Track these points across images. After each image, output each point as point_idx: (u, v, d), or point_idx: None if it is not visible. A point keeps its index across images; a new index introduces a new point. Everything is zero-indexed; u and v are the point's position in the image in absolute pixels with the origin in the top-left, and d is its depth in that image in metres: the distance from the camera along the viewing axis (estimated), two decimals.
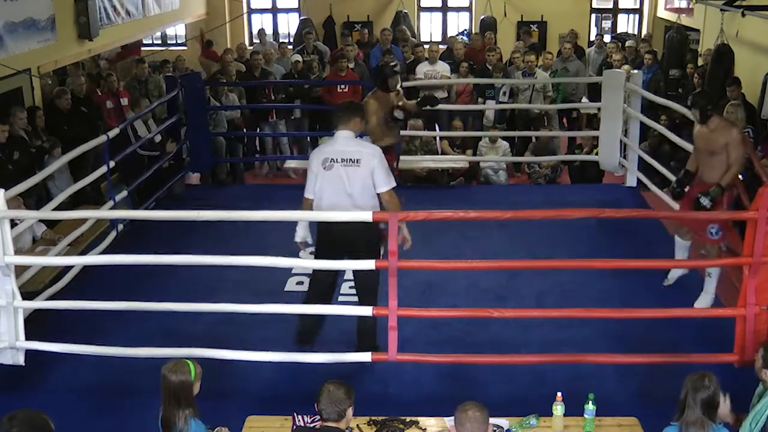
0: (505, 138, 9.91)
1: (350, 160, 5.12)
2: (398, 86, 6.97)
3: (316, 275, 5.50)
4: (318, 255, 5.32)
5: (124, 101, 9.66)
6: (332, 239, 5.16)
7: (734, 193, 5.98)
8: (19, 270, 5.37)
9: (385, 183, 5.16)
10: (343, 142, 5.23)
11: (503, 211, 5.12)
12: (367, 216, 4.71)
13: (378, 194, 5.18)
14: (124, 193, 7.64)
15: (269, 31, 15.31)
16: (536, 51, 11.52)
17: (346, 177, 5.11)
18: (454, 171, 9.65)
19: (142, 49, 14.53)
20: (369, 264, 4.79)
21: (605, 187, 9.40)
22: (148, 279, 6.07)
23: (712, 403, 3.42)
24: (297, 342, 5.50)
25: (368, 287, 5.28)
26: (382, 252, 5.20)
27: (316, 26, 14.02)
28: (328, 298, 5.49)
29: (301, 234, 5.50)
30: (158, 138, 8.76)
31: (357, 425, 4.04)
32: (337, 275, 5.52)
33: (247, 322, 5.67)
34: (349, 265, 5.08)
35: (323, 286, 5.44)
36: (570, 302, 5.98)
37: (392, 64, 7.28)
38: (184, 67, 11.14)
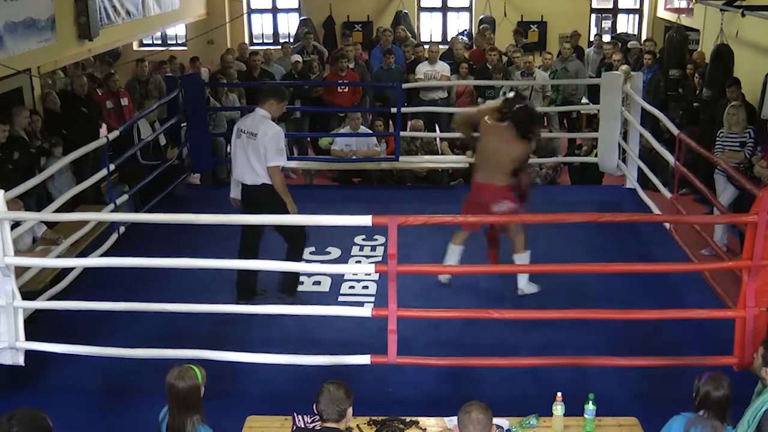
0: None
1: (251, 133, 5.91)
2: None
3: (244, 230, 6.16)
4: (242, 212, 6.15)
5: (124, 101, 9.67)
6: (246, 199, 6.09)
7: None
8: (20, 270, 5.37)
9: (272, 159, 5.86)
10: (254, 117, 6.01)
11: (502, 216, 5.12)
12: (366, 220, 4.73)
13: (267, 167, 5.87)
14: (125, 197, 7.64)
15: (269, 31, 15.33)
16: (531, 51, 11.51)
17: (249, 147, 5.90)
18: (454, 171, 9.66)
19: (143, 49, 14.58)
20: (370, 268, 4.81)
21: (605, 188, 9.40)
22: (149, 280, 6.07)
23: (728, 405, 3.47)
24: (237, 299, 6.08)
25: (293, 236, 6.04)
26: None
27: (316, 26, 14.02)
28: (256, 247, 6.12)
29: (234, 193, 6.28)
30: (162, 140, 8.75)
31: (357, 425, 4.04)
32: (262, 232, 6.11)
33: (247, 323, 5.68)
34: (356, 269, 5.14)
35: (250, 237, 6.10)
36: (570, 303, 5.98)
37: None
38: (177, 67, 11.15)
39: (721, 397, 3.44)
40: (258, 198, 5.95)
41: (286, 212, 5.92)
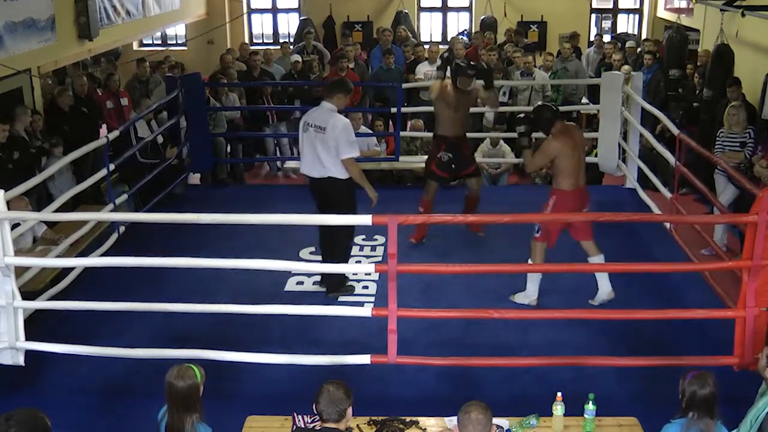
0: (505, 139, 9.90)
1: (319, 127, 5.98)
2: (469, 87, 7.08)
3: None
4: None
5: (124, 101, 9.67)
6: (314, 192, 6.24)
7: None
8: (20, 270, 5.37)
9: (345, 152, 5.96)
10: (321, 111, 6.07)
11: (501, 215, 5.13)
12: (366, 220, 4.76)
13: (341, 160, 5.96)
14: (125, 197, 7.64)
15: (269, 31, 15.32)
16: (531, 51, 11.51)
17: (317, 140, 5.99)
18: None
19: (143, 49, 14.57)
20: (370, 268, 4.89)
21: (605, 188, 9.39)
22: (149, 280, 6.07)
23: (716, 402, 3.46)
24: (328, 293, 6.35)
25: (335, 239, 6.16)
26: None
27: (316, 26, 14.02)
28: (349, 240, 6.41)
29: None
30: (160, 139, 8.75)
31: (357, 425, 4.04)
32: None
33: (247, 323, 5.68)
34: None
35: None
36: (570, 303, 5.98)
37: (470, 66, 7.12)
38: (171, 66, 11.15)
39: (707, 394, 3.43)
40: (325, 191, 6.09)
41: (353, 205, 6.12)
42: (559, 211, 6.00)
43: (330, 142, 5.92)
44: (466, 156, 7.34)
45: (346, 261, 6.34)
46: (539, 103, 6.81)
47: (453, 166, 7.15)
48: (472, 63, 7.27)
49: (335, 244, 6.23)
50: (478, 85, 7.21)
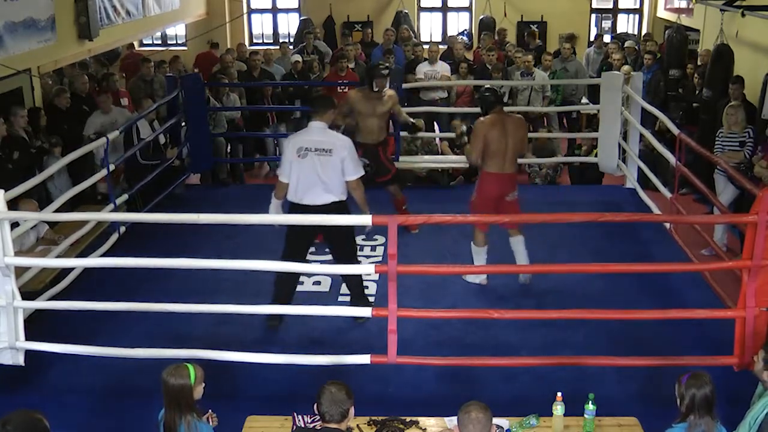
0: None
1: (323, 150, 5.56)
2: (384, 89, 7.34)
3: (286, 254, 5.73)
4: (289, 235, 5.74)
5: (124, 101, 9.66)
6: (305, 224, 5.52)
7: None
8: (20, 270, 5.37)
9: (354, 171, 5.65)
10: (317, 132, 5.66)
11: (501, 216, 5.14)
12: (367, 220, 4.76)
13: (346, 181, 5.63)
14: (125, 197, 7.64)
15: (269, 31, 15.32)
16: (539, 53, 11.50)
17: (320, 165, 5.55)
18: (454, 171, 9.66)
19: (143, 49, 14.56)
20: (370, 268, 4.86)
21: (605, 188, 9.40)
22: (149, 279, 6.07)
23: (714, 402, 3.45)
24: (267, 323, 5.83)
25: (346, 252, 5.83)
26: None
27: (316, 26, 14.02)
28: (294, 281, 5.94)
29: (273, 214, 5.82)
30: (161, 139, 8.74)
31: (357, 425, 4.04)
32: (305, 257, 5.93)
33: (247, 323, 5.68)
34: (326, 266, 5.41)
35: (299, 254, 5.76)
36: (569, 303, 5.98)
37: (383, 65, 7.62)
38: (178, 68, 11.15)
39: (707, 394, 3.43)
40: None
41: (351, 232, 5.84)
42: (481, 192, 6.29)
43: (338, 164, 5.57)
44: (383, 162, 7.46)
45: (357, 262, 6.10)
46: (486, 86, 6.98)
47: (369, 171, 6.94)
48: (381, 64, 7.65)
49: (345, 254, 5.86)
50: (391, 93, 7.44)
